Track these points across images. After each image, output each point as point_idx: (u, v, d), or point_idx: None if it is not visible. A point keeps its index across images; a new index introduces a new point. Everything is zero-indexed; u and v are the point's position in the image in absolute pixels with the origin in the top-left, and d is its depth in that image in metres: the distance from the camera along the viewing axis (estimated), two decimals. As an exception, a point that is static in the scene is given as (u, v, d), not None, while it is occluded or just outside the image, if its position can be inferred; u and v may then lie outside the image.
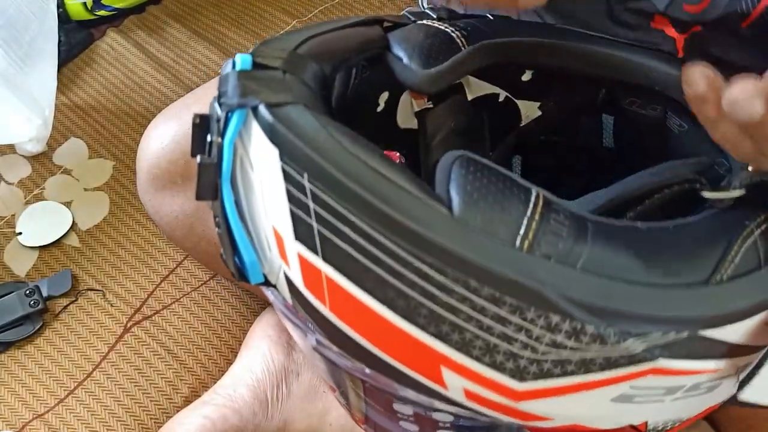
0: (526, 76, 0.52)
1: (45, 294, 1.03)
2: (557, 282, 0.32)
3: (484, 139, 0.54)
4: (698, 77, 0.35)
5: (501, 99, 0.53)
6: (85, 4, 1.34)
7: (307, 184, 0.33)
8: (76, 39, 1.34)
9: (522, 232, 0.33)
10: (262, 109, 0.34)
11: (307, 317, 0.37)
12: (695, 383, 0.38)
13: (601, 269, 0.34)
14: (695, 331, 0.35)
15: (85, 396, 0.96)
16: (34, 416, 0.95)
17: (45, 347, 1.01)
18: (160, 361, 0.98)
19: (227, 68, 0.37)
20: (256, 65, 0.37)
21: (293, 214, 0.34)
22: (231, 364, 0.90)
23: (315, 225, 0.33)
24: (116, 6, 1.37)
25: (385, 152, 0.62)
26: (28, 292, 1.01)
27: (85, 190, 1.17)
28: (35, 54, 1.16)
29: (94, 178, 1.18)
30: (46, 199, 1.15)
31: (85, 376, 0.98)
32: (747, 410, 0.40)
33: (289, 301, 0.37)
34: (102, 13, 1.36)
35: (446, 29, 0.45)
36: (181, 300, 1.04)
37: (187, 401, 0.91)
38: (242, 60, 0.36)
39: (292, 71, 0.37)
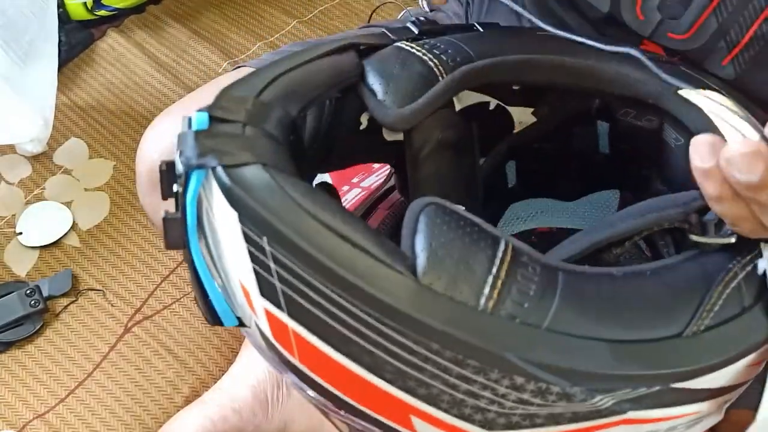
0: (516, 86, 0.51)
1: (45, 294, 1.03)
2: (520, 345, 0.31)
3: (472, 150, 0.53)
4: (706, 150, 0.33)
5: (492, 107, 0.52)
6: (85, 4, 1.34)
7: (267, 247, 0.32)
8: (76, 39, 1.34)
9: (487, 291, 0.32)
10: (220, 171, 0.33)
11: (280, 363, 0.36)
12: (671, 426, 0.37)
13: (568, 327, 0.33)
14: (667, 385, 0.34)
15: (86, 396, 0.96)
16: (35, 416, 0.95)
17: (45, 347, 1.01)
18: (161, 360, 0.98)
19: (185, 125, 0.35)
20: (215, 119, 0.35)
21: (257, 273, 0.34)
22: (231, 364, 0.90)
23: (278, 285, 0.33)
24: (116, 6, 1.37)
25: (374, 165, 0.61)
26: (28, 292, 1.01)
27: (86, 190, 1.17)
28: (35, 54, 1.16)
29: (95, 178, 1.18)
30: (47, 199, 1.15)
31: (85, 375, 0.98)
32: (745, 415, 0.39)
33: (263, 345, 0.37)
34: (102, 13, 1.36)
35: (424, 56, 0.43)
36: (182, 300, 1.04)
37: (188, 401, 0.91)
38: (199, 119, 0.35)
39: (254, 122, 0.36)
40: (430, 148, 0.49)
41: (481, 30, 0.48)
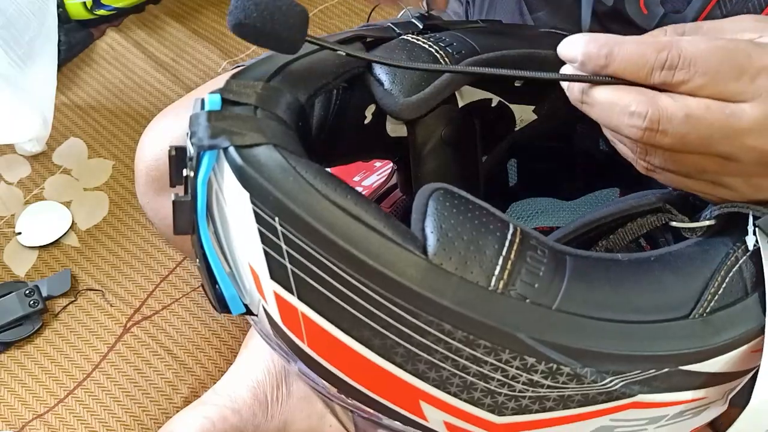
0: (519, 82, 0.51)
1: (44, 294, 1.03)
2: (532, 325, 0.32)
3: (475, 147, 0.53)
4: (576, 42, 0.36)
5: (494, 104, 0.52)
6: (84, 3, 1.33)
7: (279, 227, 0.32)
8: (75, 38, 1.34)
9: (497, 272, 0.32)
10: (232, 152, 0.33)
11: (288, 349, 0.36)
12: (679, 411, 0.37)
13: (577, 308, 0.33)
14: (675, 366, 0.34)
15: (85, 396, 0.96)
16: (34, 416, 0.95)
17: (44, 347, 1.01)
18: (160, 361, 0.98)
19: (197, 107, 0.36)
20: (226, 102, 0.36)
21: (267, 254, 0.34)
22: (230, 364, 0.90)
23: (289, 266, 0.33)
24: (116, 5, 1.37)
25: (376, 164, 0.61)
26: (27, 292, 1.01)
27: (85, 189, 1.17)
28: (35, 54, 1.16)
29: (94, 177, 1.18)
30: (46, 199, 1.15)
31: (84, 376, 0.98)
32: None
33: (270, 332, 0.37)
34: (102, 12, 1.36)
35: (430, 48, 0.44)
36: (181, 300, 1.04)
37: (187, 401, 0.91)
38: (211, 100, 0.35)
39: (265, 106, 0.36)
40: (433, 143, 0.49)
41: (485, 25, 0.48)
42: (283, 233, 0.32)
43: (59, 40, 1.20)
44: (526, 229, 0.34)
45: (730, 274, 0.35)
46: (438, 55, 0.43)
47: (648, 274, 0.35)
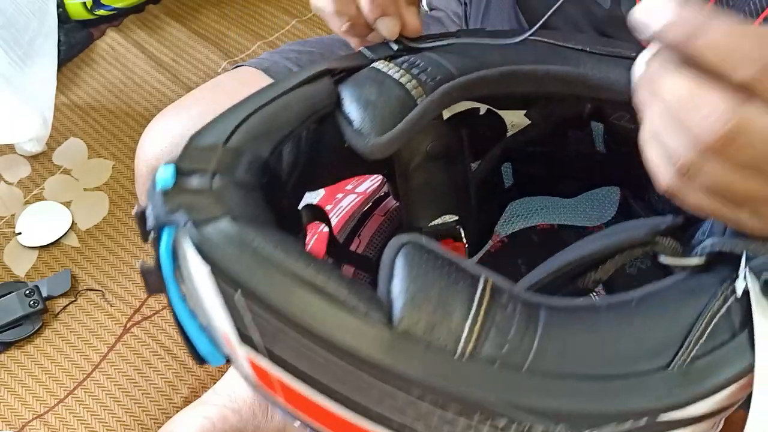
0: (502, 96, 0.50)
1: (44, 294, 1.03)
2: (500, 389, 0.31)
3: (462, 159, 0.52)
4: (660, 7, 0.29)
5: (482, 112, 0.51)
6: (84, 3, 1.33)
7: (241, 300, 0.32)
8: (75, 39, 1.34)
9: (465, 335, 0.32)
10: (189, 227, 0.33)
11: (268, 398, 0.36)
12: None
13: (550, 366, 0.32)
14: (655, 418, 0.33)
15: (85, 396, 0.96)
16: (34, 416, 0.95)
17: (44, 347, 1.01)
18: (160, 361, 0.98)
19: (153, 181, 0.35)
20: (183, 172, 0.35)
21: (234, 322, 0.34)
22: (231, 364, 0.90)
23: (256, 335, 0.33)
24: (116, 5, 1.37)
25: (367, 176, 0.61)
26: (27, 292, 1.01)
27: (85, 190, 1.17)
28: (35, 54, 1.16)
29: (94, 177, 1.18)
30: (46, 199, 1.15)
31: (84, 376, 0.98)
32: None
33: (250, 382, 0.37)
34: (101, 12, 1.36)
35: (402, 78, 0.42)
36: (181, 300, 1.04)
37: (187, 401, 0.91)
38: (164, 177, 0.34)
39: (223, 172, 0.36)
40: (419, 159, 0.49)
41: (466, 39, 0.46)
42: (246, 305, 0.32)
43: (59, 40, 1.20)
44: (498, 282, 0.33)
45: (716, 318, 0.34)
46: (409, 86, 0.42)
47: (627, 322, 0.34)
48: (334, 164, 0.43)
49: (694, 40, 0.29)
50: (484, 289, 0.33)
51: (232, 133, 0.38)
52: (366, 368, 0.31)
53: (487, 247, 0.61)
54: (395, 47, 0.45)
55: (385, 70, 0.43)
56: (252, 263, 0.32)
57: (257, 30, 1.37)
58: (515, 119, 0.52)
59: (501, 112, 0.52)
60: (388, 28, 0.44)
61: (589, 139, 0.54)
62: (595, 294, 0.58)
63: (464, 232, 0.53)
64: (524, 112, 0.52)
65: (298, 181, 0.44)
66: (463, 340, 0.32)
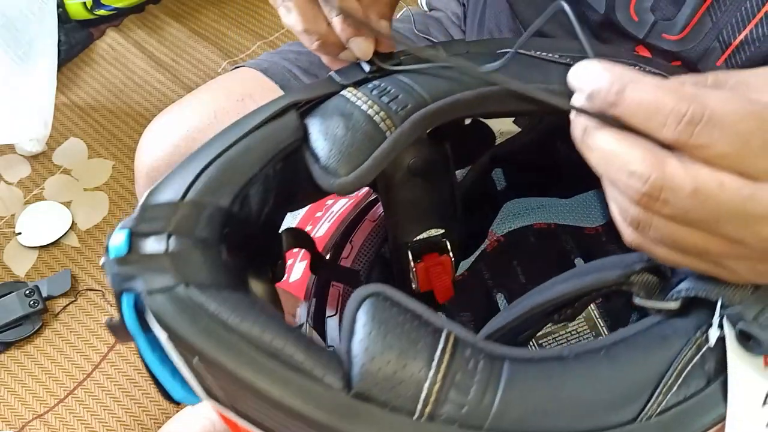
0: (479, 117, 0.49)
1: (44, 294, 1.03)
2: None
3: (447, 172, 0.50)
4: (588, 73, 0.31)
5: (467, 121, 0.50)
6: (84, 3, 1.33)
7: (200, 365, 0.33)
8: (75, 39, 1.34)
9: (423, 396, 0.31)
10: (144, 296, 0.33)
11: None
12: None
13: (511, 424, 0.32)
14: None
15: (85, 396, 0.96)
16: (34, 416, 0.95)
17: (44, 347, 1.01)
18: (160, 361, 0.98)
19: (107, 248, 0.35)
20: (138, 234, 0.35)
21: (198, 381, 0.34)
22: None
23: (219, 392, 0.34)
24: (116, 5, 1.37)
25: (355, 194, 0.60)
26: (27, 292, 1.01)
27: (85, 189, 1.17)
28: (35, 54, 1.16)
29: (94, 177, 1.18)
30: (46, 199, 1.15)
31: (84, 376, 0.98)
32: None
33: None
34: (101, 12, 1.36)
35: (370, 109, 0.40)
36: (181, 300, 1.04)
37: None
38: (117, 246, 0.34)
39: (179, 231, 0.35)
40: (401, 176, 0.48)
41: (444, 54, 0.44)
42: (205, 370, 0.33)
43: (59, 40, 1.20)
44: (461, 335, 0.33)
45: (689, 368, 0.33)
46: (378, 118, 0.40)
47: (595, 373, 0.33)
48: (311, 190, 0.42)
49: (617, 106, 0.29)
50: (446, 344, 0.33)
51: (190, 186, 0.37)
52: (323, 430, 0.32)
53: (483, 246, 0.61)
54: (367, 68, 0.44)
55: (353, 100, 0.41)
56: (206, 331, 0.32)
57: (257, 30, 1.37)
58: (504, 127, 0.51)
59: (488, 121, 0.51)
60: (361, 49, 0.43)
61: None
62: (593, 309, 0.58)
63: (450, 245, 0.52)
64: (513, 119, 0.51)
65: (272, 212, 0.43)
66: (421, 401, 0.32)
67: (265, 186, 0.41)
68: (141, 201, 0.37)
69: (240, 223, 0.39)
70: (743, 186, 0.28)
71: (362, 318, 0.33)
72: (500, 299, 0.59)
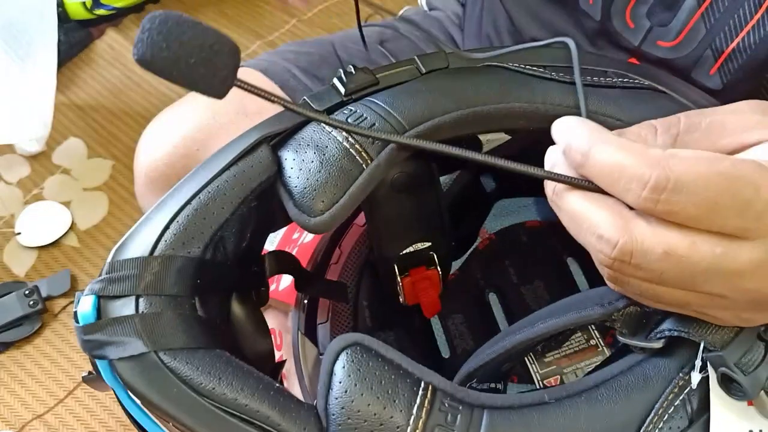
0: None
1: (44, 294, 1.03)
2: None
3: (431, 185, 0.48)
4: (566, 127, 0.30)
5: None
6: (84, 3, 1.33)
7: (176, 429, 0.33)
8: (75, 38, 1.34)
9: None
10: (114, 364, 0.33)
11: None
12: None
13: None
14: None
15: (85, 396, 0.96)
16: (34, 416, 0.95)
17: (44, 347, 1.01)
18: (160, 361, 0.98)
19: (73, 317, 0.35)
20: (105, 297, 0.34)
21: None
22: None
23: None
24: (115, 5, 1.36)
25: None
26: (27, 292, 1.01)
27: (84, 189, 1.17)
28: (35, 54, 1.16)
29: (93, 177, 1.18)
30: (46, 199, 1.15)
31: (84, 376, 0.98)
32: None
33: None
34: (101, 12, 1.36)
35: (345, 141, 0.39)
36: (181, 300, 1.04)
37: None
38: (84, 314, 0.34)
39: (148, 291, 0.34)
40: (384, 192, 0.46)
41: (423, 69, 0.43)
42: None
43: (59, 40, 1.20)
44: (440, 386, 0.33)
45: (671, 409, 0.33)
46: (353, 151, 0.39)
47: (576, 419, 0.33)
48: (289, 217, 0.40)
49: (584, 167, 0.29)
50: (423, 398, 0.33)
51: (158, 239, 0.36)
52: None
53: (475, 244, 0.60)
54: (342, 91, 0.42)
55: (329, 129, 0.40)
56: (178, 400, 0.32)
57: (257, 29, 1.37)
58: (491, 136, 0.49)
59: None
60: None
61: None
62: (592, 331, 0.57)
63: (438, 258, 0.51)
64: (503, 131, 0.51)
65: (251, 244, 0.42)
66: None
67: (239, 225, 0.40)
68: (109, 258, 0.36)
69: (214, 268, 0.38)
70: (716, 244, 0.27)
71: (339, 373, 0.33)
72: (493, 300, 0.59)
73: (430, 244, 0.50)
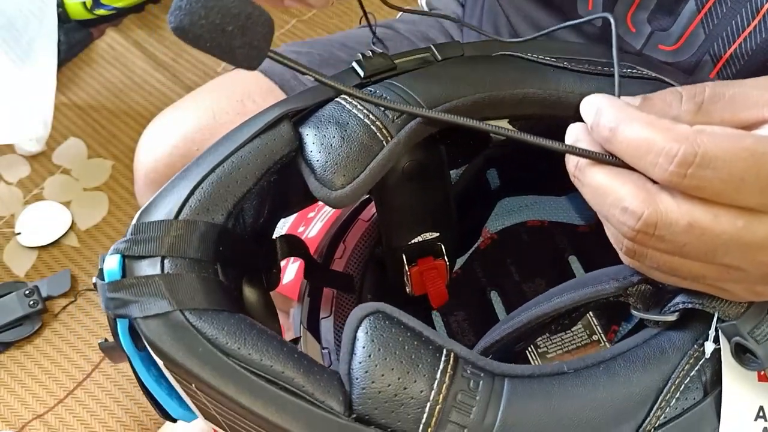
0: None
1: (44, 294, 1.03)
2: None
3: (442, 175, 0.49)
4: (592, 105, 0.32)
5: None
6: (84, 3, 1.33)
7: (198, 391, 0.32)
8: (75, 38, 1.34)
9: (425, 419, 0.31)
10: (139, 323, 0.32)
11: None
12: None
13: None
14: None
15: (85, 396, 0.96)
16: (34, 416, 0.95)
17: (44, 347, 1.01)
18: (160, 361, 0.98)
19: (101, 272, 0.34)
20: (130, 258, 0.34)
21: (196, 405, 0.34)
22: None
23: (218, 416, 0.34)
24: (116, 5, 1.37)
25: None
26: (27, 292, 1.01)
27: (85, 189, 1.17)
28: (35, 54, 1.16)
29: (94, 177, 1.18)
30: (46, 199, 1.15)
31: (84, 376, 0.98)
32: None
33: None
34: (101, 12, 1.36)
35: (366, 118, 0.39)
36: (181, 300, 1.04)
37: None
38: (110, 271, 0.33)
39: (173, 253, 0.34)
40: (396, 180, 0.47)
41: (439, 57, 0.44)
42: (203, 396, 0.33)
43: (59, 40, 1.20)
44: (462, 354, 0.33)
45: (687, 380, 0.33)
46: (374, 127, 0.39)
47: (595, 390, 0.33)
48: (305, 196, 0.41)
49: (611, 143, 0.30)
50: (446, 364, 0.33)
51: (183, 204, 0.36)
52: None
53: (477, 243, 0.61)
54: (361, 73, 0.43)
55: (349, 107, 0.40)
56: (203, 359, 0.32)
57: (257, 30, 1.37)
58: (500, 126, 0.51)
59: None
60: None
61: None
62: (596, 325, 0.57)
63: (445, 249, 0.52)
64: (507, 120, 0.51)
65: (266, 222, 0.43)
66: (423, 422, 0.32)
67: (259, 199, 0.41)
68: (134, 220, 0.36)
69: (234, 239, 0.38)
70: (737, 217, 0.28)
71: (362, 339, 0.33)
72: (494, 297, 0.59)
73: (438, 234, 0.51)
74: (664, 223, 0.28)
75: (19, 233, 1.11)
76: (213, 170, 0.38)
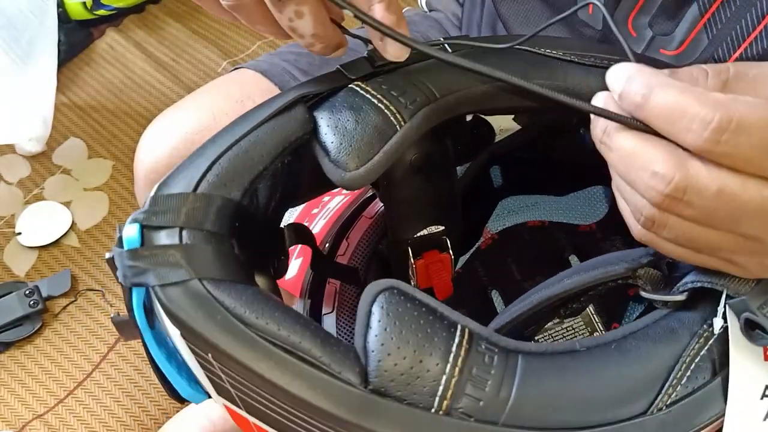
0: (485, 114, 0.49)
1: (44, 294, 1.03)
2: None
3: (448, 169, 0.50)
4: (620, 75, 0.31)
5: (469, 118, 0.50)
6: (84, 3, 1.33)
7: (214, 361, 0.33)
8: (75, 38, 1.34)
9: (440, 392, 0.32)
10: (157, 291, 0.33)
11: None
12: None
13: (526, 419, 0.32)
14: None
15: (85, 396, 0.96)
16: (34, 416, 0.95)
17: (44, 347, 1.01)
18: (160, 361, 0.98)
19: (118, 241, 0.35)
20: (149, 227, 0.35)
21: (210, 378, 0.34)
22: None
23: (232, 390, 0.34)
24: (116, 5, 1.37)
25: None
26: (27, 292, 1.01)
27: (85, 189, 1.17)
28: (35, 54, 1.16)
29: (94, 177, 1.18)
30: (46, 199, 1.15)
31: (84, 376, 0.98)
32: None
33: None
34: (102, 12, 1.36)
35: (380, 103, 0.40)
36: (181, 300, 1.04)
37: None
38: (129, 239, 0.34)
39: (191, 224, 0.35)
40: (402, 172, 0.48)
41: (449, 50, 0.45)
42: (218, 365, 0.33)
43: (59, 40, 1.20)
44: (476, 330, 0.33)
45: (697, 359, 0.34)
46: (388, 112, 0.40)
47: (607, 367, 0.34)
48: (315, 184, 0.42)
49: (642, 109, 0.30)
50: (461, 339, 0.33)
51: (202, 178, 0.37)
52: (340, 425, 0.32)
53: (478, 243, 0.61)
54: (375, 64, 0.44)
55: (363, 93, 0.41)
56: (222, 327, 0.32)
57: (257, 30, 1.37)
58: (504, 124, 0.51)
59: (489, 118, 0.51)
60: (395, 53, 0.41)
61: (578, 143, 0.54)
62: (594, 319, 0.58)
63: (450, 242, 0.52)
64: (513, 116, 0.52)
65: (277, 206, 0.43)
66: (438, 396, 0.32)
67: (273, 180, 0.41)
68: (152, 192, 0.37)
69: (249, 218, 0.39)
70: (764, 186, 0.28)
71: (377, 313, 0.33)
72: (495, 297, 0.59)
73: (443, 227, 0.52)
74: (694, 188, 0.29)
75: (19, 233, 1.11)
76: (230, 147, 0.38)
